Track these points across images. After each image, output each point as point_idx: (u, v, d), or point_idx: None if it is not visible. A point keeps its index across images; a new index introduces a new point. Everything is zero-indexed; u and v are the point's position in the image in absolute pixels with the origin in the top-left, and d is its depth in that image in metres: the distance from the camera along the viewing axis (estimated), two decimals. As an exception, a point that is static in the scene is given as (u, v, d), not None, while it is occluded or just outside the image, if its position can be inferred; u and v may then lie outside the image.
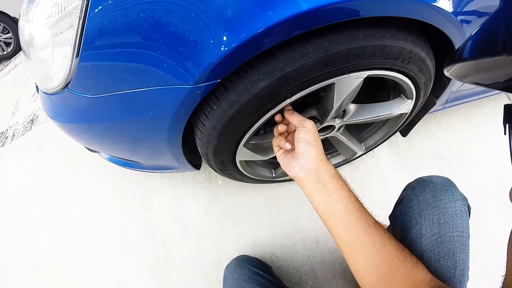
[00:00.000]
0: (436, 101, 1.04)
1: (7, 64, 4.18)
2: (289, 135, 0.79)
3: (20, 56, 4.15)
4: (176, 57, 0.62)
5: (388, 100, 1.00)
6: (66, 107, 0.88)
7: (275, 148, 0.79)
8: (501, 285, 0.51)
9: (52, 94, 0.85)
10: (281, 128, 0.77)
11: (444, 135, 1.44)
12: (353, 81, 0.75)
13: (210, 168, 1.07)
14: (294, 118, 0.73)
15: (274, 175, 1.22)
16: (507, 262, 0.50)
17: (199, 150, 0.94)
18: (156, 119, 0.78)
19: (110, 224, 1.64)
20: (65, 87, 0.78)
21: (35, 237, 1.83)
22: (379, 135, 1.18)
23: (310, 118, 0.93)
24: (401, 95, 0.94)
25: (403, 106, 0.95)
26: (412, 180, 0.80)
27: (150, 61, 0.64)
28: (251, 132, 0.81)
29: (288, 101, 0.72)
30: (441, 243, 0.64)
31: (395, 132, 1.18)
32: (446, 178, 0.74)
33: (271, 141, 0.93)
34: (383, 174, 1.38)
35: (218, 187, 1.51)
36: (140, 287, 1.42)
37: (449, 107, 1.22)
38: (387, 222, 1.23)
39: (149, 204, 1.59)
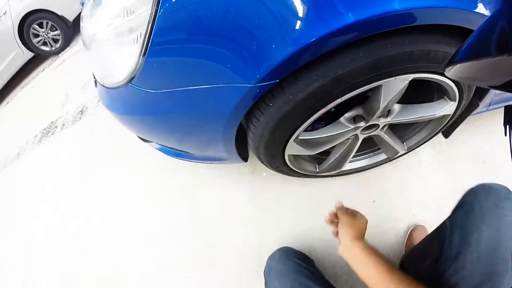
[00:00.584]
0: (479, 103, 1.06)
1: (56, 59, 4.50)
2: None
3: (67, 52, 4.45)
4: (240, 57, 0.70)
5: (431, 100, 1.03)
6: (126, 101, 0.99)
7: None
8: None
9: (112, 88, 0.95)
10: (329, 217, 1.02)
11: (487, 137, 1.42)
12: (399, 83, 0.81)
13: (255, 161, 1.14)
14: (338, 213, 0.96)
15: (317, 170, 1.28)
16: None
17: (251, 144, 1.03)
18: (214, 114, 0.88)
19: (155, 213, 1.76)
20: (128, 82, 0.87)
21: (82, 223, 2.00)
22: (422, 135, 1.21)
23: (356, 116, 0.99)
24: (445, 96, 0.98)
25: (446, 108, 0.99)
26: (473, 186, 0.85)
27: (215, 60, 0.72)
28: (303, 127, 0.89)
29: (339, 100, 0.80)
30: (498, 249, 0.67)
31: (438, 132, 1.20)
32: (506, 187, 0.78)
33: (318, 138, 1.00)
34: (424, 175, 1.39)
35: (262, 180, 1.58)
36: (185, 275, 1.52)
37: (492, 109, 1.20)
38: (424, 222, 1.29)
39: (195, 194, 1.69)
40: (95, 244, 1.86)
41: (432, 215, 1.31)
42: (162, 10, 0.70)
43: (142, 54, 0.77)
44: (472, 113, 1.13)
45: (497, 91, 1.04)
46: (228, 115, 0.85)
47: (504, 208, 0.71)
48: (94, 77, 1.15)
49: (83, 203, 2.09)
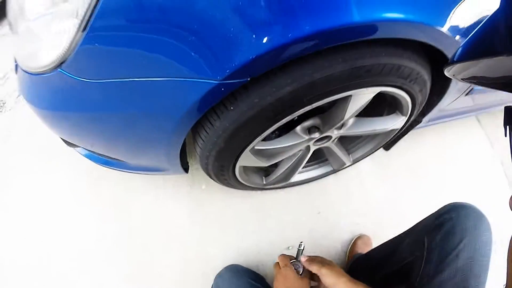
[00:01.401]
0: (422, 120, 1.11)
1: None
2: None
3: None
4: (209, 47, 0.57)
5: (381, 114, 1.04)
6: (51, 91, 0.78)
7: None
8: None
9: (36, 74, 0.74)
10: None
11: (419, 150, 1.54)
12: (366, 95, 0.78)
13: (194, 172, 1.03)
14: (313, 268, 0.83)
15: (264, 183, 1.21)
16: (507, 269, 0.53)
17: (198, 152, 0.91)
18: (163, 115, 0.72)
19: (83, 227, 1.49)
20: (57, 66, 0.68)
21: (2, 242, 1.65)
22: (367, 148, 1.22)
23: (312, 127, 0.95)
24: (397, 111, 0.99)
25: (398, 122, 1.00)
26: (448, 204, 0.87)
27: (177, 48, 0.58)
28: (262, 136, 0.81)
29: (308, 108, 0.73)
30: (473, 266, 0.73)
31: (382, 146, 1.23)
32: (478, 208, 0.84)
33: (274, 148, 0.93)
34: (364, 185, 1.43)
35: (201, 192, 1.45)
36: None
37: (430, 125, 1.30)
38: (367, 231, 1.32)
39: (128, 207, 1.48)
40: (14, 263, 1.51)
41: (373, 223, 1.36)
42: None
43: (80, 30, 0.59)
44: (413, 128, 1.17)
45: (441, 108, 1.09)
46: (180, 117, 0.70)
47: (480, 229, 0.77)
48: (16, 61, 0.92)
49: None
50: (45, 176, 1.77)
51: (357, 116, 0.97)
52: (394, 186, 1.44)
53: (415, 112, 0.99)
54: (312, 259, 0.87)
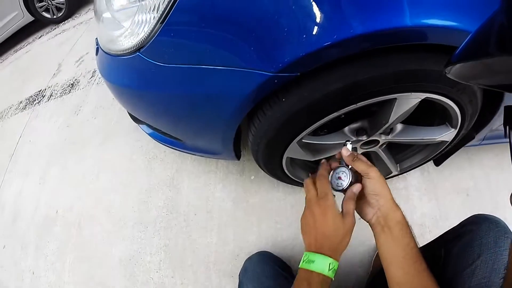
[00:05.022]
0: (475, 136, 1.08)
1: (55, 28, 4.36)
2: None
3: (68, 23, 4.31)
4: (265, 43, 0.68)
5: (430, 125, 1.05)
6: (130, 71, 0.94)
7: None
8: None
9: (117, 55, 0.91)
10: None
11: (473, 171, 1.46)
12: (412, 100, 0.81)
13: (245, 162, 1.10)
14: (359, 166, 0.74)
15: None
16: (508, 263, 0.57)
17: (251, 139, 0.99)
18: (222, 100, 0.84)
19: (133, 197, 1.69)
20: (136, 51, 0.83)
21: (55, 196, 1.91)
22: (416, 159, 1.22)
23: (360, 129, 0.99)
24: (446, 122, 0.99)
25: (447, 134, 1.00)
26: (473, 215, 0.82)
27: (239, 42, 0.70)
28: (309, 130, 0.88)
29: (353, 107, 0.79)
30: (488, 287, 0.67)
31: (431, 159, 1.22)
32: (504, 222, 0.76)
33: (320, 144, 0.99)
34: (410, 200, 1.41)
35: (250, 181, 1.55)
36: (152, 264, 1.47)
37: (484, 144, 1.24)
38: None
39: (178, 185, 1.64)
40: (66, 217, 1.78)
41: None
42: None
43: (159, 21, 0.74)
44: (465, 145, 1.15)
45: (494, 127, 1.06)
46: (238, 103, 0.81)
47: (502, 247, 0.70)
48: (97, 44, 1.10)
49: (61, 176, 2.01)
50: (104, 148, 2.00)
51: (405, 123, 1.00)
52: (441, 205, 1.39)
53: (465, 125, 0.97)
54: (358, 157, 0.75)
